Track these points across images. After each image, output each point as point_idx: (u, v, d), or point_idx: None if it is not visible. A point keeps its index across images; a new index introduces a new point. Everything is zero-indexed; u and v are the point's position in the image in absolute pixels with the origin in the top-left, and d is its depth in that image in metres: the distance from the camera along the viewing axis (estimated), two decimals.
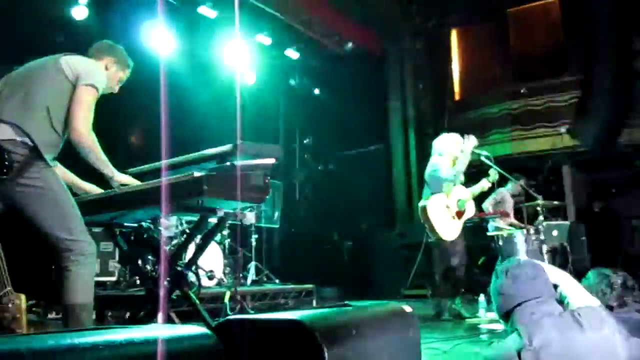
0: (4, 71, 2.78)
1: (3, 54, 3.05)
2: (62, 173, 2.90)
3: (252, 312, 5.45)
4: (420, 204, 5.19)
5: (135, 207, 2.94)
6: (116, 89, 3.10)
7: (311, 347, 1.17)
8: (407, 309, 1.82)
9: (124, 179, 2.85)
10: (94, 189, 3.04)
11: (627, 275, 2.49)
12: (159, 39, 7.82)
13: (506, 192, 6.74)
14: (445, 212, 5.07)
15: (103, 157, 2.73)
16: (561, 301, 2.15)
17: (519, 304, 2.10)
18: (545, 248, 5.99)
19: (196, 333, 1.09)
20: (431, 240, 5.27)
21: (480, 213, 6.20)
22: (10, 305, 2.14)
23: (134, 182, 2.89)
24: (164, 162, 3.21)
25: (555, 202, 6.16)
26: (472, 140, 5.21)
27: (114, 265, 6.32)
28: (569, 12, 8.71)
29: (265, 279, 7.09)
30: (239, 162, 2.76)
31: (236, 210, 3.07)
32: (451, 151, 5.23)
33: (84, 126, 2.65)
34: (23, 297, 2.18)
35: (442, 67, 9.98)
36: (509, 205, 6.74)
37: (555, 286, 2.20)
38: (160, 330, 1.02)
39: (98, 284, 6.05)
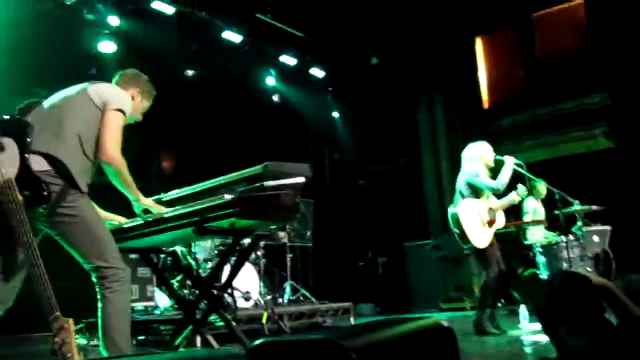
0: (35, 104, 2.87)
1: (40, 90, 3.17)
2: None
3: (289, 332, 5.44)
4: (451, 209, 5.12)
5: (169, 232, 2.98)
6: (140, 118, 3.18)
7: None
8: (445, 323, 1.79)
9: (148, 203, 2.91)
10: (114, 218, 3.11)
11: None
12: (186, 64, 8.01)
13: (532, 202, 6.59)
14: (477, 219, 5.00)
15: (130, 180, 2.80)
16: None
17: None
18: (587, 255, 5.83)
19: (227, 355, 1.09)
20: (466, 251, 5.18)
21: (514, 222, 6.08)
22: (59, 331, 2.19)
23: (156, 207, 2.94)
24: (196, 187, 3.26)
25: (594, 207, 5.98)
26: (510, 159, 5.16)
27: (151, 290, 6.40)
28: (594, 12, 8.56)
29: (301, 298, 7.08)
30: (269, 183, 2.78)
31: (268, 230, 3.08)
32: (481, 157, 5.16)
33: (113, 149, 2.72)
34: (71, 321, 2.23)
35: (469, 76, 9.90)
36: (541, 214, 6.59)
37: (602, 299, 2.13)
38: (191, 355, 1.03)
39: (137, 309, 6.16)
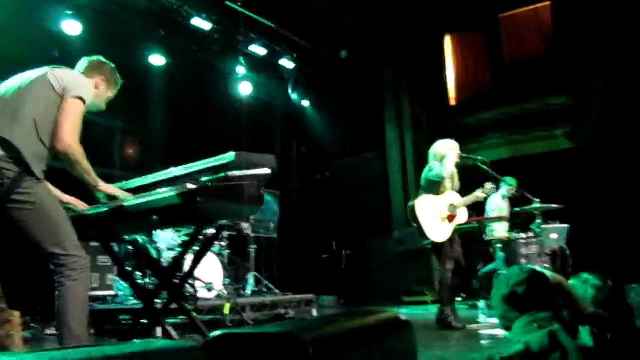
0: None
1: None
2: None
3: (252, 323, 5.43)
4: (410, 203, 5.20)
5: (131, 221, 2.93)
6: (104, 107, 3.11)
7: (304, 358, 1.16)
8: (402, 316, 1.81)
9: (108, 189, 2.85)
10: (76, 202, 3.03)
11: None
12: (153, 52, 7.87)
13: (498, 199, 6.73)
14: (435, 214, 5.07)
15: (89, 167, 2.73)
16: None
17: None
18: (545, 252, 5.98)
19: (182, 348, 1.08)
20: (428, 245, 5.25)
21: (476, 217, 6.19)
22: (4, 323, 2.13)
23: (117, 192, 2.88)
24: (159, 175, 3.21)
25: (554, 205, 6.13)
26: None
27: (112, 279, 6.30)
28: (561, 15, 8.75)
29: (264, 290, 7.07)
30: (233, 173, 2.76)
31: (231, 222, 3.06)
32: (443, 154, 5.23)
33: (71, 137, 2.65)
34: (17, 313, 2.18)
35: (437, 73, 10.01)
36: (506, 211, 6.73)
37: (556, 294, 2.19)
38: (145, 347, 1.01)
39: (97, 298, 6.05)
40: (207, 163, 3.00)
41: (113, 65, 3.12)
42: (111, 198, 2.89)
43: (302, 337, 1.19)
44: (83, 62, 3.05)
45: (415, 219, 5.05)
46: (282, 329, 1.25)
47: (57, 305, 2.55)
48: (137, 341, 1.06)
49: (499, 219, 6.60)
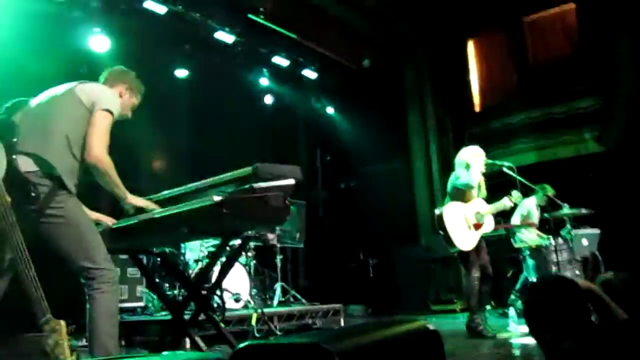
0: (22, 103, 2.85)
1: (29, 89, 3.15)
2: None
3: (279, 333, 5.43)
4: (437, 211, 5.15)
5: (158, 233, 2.97)
6: (129, 115, 3.16)
7: None
8: (431, 326, 1.79)
9: (136, 202, 2.88)
10: (104, 219, 3.08)
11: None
12: (178, 64, 8.00)
13: (532, 205, 6.62)
14: (462, 221, 5.02)
15: (117, 180, 2.78)
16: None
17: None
18: (575, 258, 5.87)
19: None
20: (455, 253, 5.20)
21: (505, 225, 6.10)
22: (51, 333, 2.19)
23: (145, 204, 2.91)
24: (185, 188, 3.24)
25: (583, 210, 6.01)
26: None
27: (141, 290, 6.38)
28: (585, 17, 8.62)
29: (291, 300, 7.08)
30: (258, 185, 2.78)
31: (257, 232, 3.07)
32: (471, 162, 5.18)
33: (100, 150, 2.70)
34: (63, 322, 2.22)
35: (461, 78, 9.94)
36: (536, 217, 6.62)
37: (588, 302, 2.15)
38: (170, 358, 1.03)
39: (127, 310, 6.14)
40: (232, 175, 3.03)
41: (134, 73, 3.18)
42: (139, 210, 2.93)
43: (329, 348, 1.19)
44: (105, 74, 3.11)
45: (442, 226, 5.00)
46: (309, 339, 1.25)
47: (87, 318, 2.59)
48: (165, 353, 1.08)
49: (528, 225, 6.50)
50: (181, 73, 8.07)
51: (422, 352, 1.61)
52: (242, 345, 1.24)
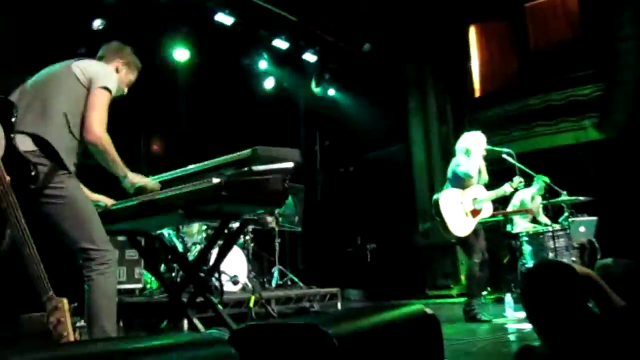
0: (19, 82, 2.83)
1: (26, 66, 3.12)
2: None
3: (277, 316, 5.46)
4: (434, 197, 5.17)
5: (157, 215, 2.97)
6: (126, 91, 3.13)
7: (328, 351, 1.17)
8: (428, 310, 1.80)
9: (137, 179, 2.87)
10: (104, 199, 3.07)
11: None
12: (177, 47, 7.94)
13: (526, 196, 6.62)
14: (459, 208, 5.03)
15: (117, 158, 2.76)
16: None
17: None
18: (572, 245, 5.88)
19: (209, 340, 1.09)
20: (452, 239, 5.22)
21: (502, 211, 6.11)
22: (54, 310, 2.19)
23: (146, 181, 2.90)
24: (184, 170, 3.24)
25: (581, 198, 6.02)
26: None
27: (139, 272, 6.40)
28: (587, 4, 8.57)
29: (289, 283, 7.10)
30: (258, 167, 2.77)
31: (256, 215, 3.07)
32: (472, 149, 5.18)
33: (98, 128, 2.68)
34: (65, 300, 2.23)
35: (462, 64, 9.89)
36: (535, 205, 6.62)
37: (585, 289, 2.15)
38: (175, 340, 1.03)
39: (125, 291, 6.16)
40: (231, 157, 3.02)
41: (131, 48, 3.15)
42: (139, 189, 2.92)
43: (328, 329, 1.20)
44: (102, 49, 3.08)
45: (438, 212, 5.02)
46: (308, 321, 1.25)
47: (86, 299, 2.59)
48: (166, 334, 1.08)
49: (525, 211, 6.51)
50: (180, 54, 8.01)
51: (420, 335, 1.62)
52: (241, 326, 1.25)
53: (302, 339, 1.20)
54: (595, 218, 6.36)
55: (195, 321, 3.26)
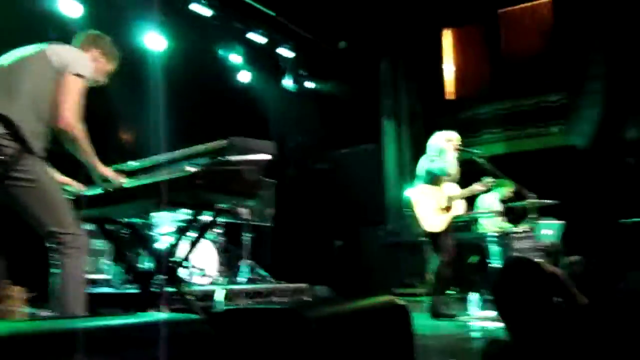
0: None
1: None
2: None
3: None
4: (406, 192, 5.24)
5: (129, 202, 2.93)
6: (104, 80, 3.09)
7: (306, 335, 1.18)
8: (400, 301, 1.84)
9: (106, 172, 2.83)
10: (72, 183, 3.02)
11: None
12: (151, 36, 7.82)
13: (491, 200, 6.75)
14: (431, 203, 5.10)
15: (88, 148, 2.72)
16: None
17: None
18: (538, 247, 6.01)
19: (188, 320, 1.10)
20: (422, 237, 5.29)
21: (471, 211, 6.22)
22: (5, 298, 2.14)
23: (115, 177, 2.86)
24: (157, 158, 3.21)
25: (547, 201, 6.16)
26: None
27: (104, 262, 6.28)
28: (561, 13, 8.77)
29: (258, 278, 7.08)
30: (234, 157, 2.77)
31: (229, 206, 3.07)
32: (445, 148, 5.26)
33: (71, 114, 2.63)
34: (18, 289, 2.18)
35: (434, 67, 10.01)
36: (500, 207, 6.76)
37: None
38: (153, 319, 1.03)
39: (90, 282, 6.04)
40: (206, 147, 3.01)
41: (109, 38, 3.10)
42: (107, 181, 2.88)
43: (306, 314, 1.21)
44: (79, 37, 3.03)
45: (410, 207, 5.08)
46: (287, 306, 1.26)
47: (52, 285, 2.53)
48: (145, 313, 1.08)
49: (490, 212, 6.64)
50: (154, 43, 7.89)
51: (391, 323, 1.65)
52: (220, 309, 1.25)
53: (282, 323, 1.21)
54: (561, 222, 6.51)
55: (165, 311, 3.22)
